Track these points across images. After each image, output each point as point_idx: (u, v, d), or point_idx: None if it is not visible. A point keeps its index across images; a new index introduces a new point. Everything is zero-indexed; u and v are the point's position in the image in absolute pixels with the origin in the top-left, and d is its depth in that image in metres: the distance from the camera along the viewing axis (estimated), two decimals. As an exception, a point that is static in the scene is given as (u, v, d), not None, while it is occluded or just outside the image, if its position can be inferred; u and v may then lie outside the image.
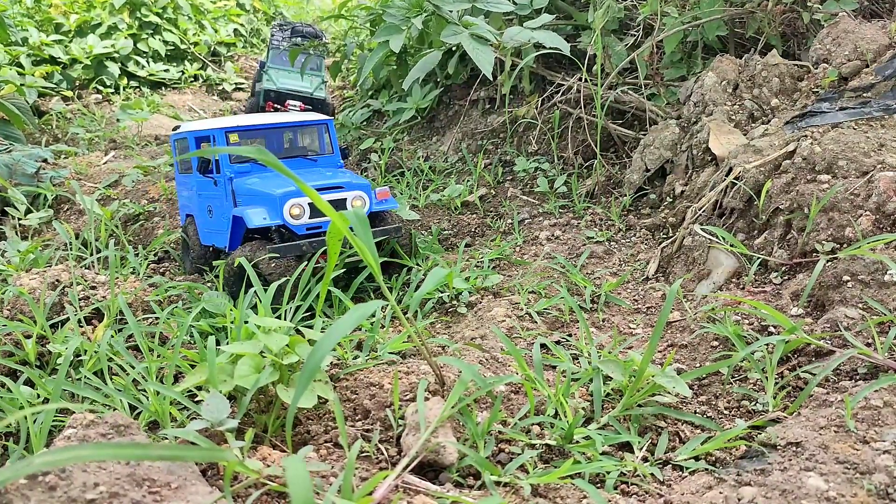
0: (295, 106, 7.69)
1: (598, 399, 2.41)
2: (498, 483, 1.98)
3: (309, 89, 7.90)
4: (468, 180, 5.67)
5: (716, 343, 2.94)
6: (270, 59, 8.39)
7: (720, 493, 1.84)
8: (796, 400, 2.36)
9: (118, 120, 8.26)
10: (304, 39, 8.34)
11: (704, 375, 2.71)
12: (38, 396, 2.54)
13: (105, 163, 6.83)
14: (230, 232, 3.93)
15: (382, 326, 3.27)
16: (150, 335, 3.08)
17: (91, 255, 4.34)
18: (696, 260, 3.70)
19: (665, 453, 2.22)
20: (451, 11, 5.50)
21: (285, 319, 3.02)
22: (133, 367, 2.61)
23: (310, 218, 3.76)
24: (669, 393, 2.43)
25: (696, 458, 2.15)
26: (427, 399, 2.21)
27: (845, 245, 3.09)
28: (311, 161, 4.34)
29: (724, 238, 3.56)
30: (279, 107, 7.75)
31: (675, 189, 4.47)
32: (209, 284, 3.98)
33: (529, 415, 2.31)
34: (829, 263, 3.00)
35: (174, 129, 4.46)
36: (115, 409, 2.38)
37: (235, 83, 11.19)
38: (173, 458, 1.56)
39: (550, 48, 5.08)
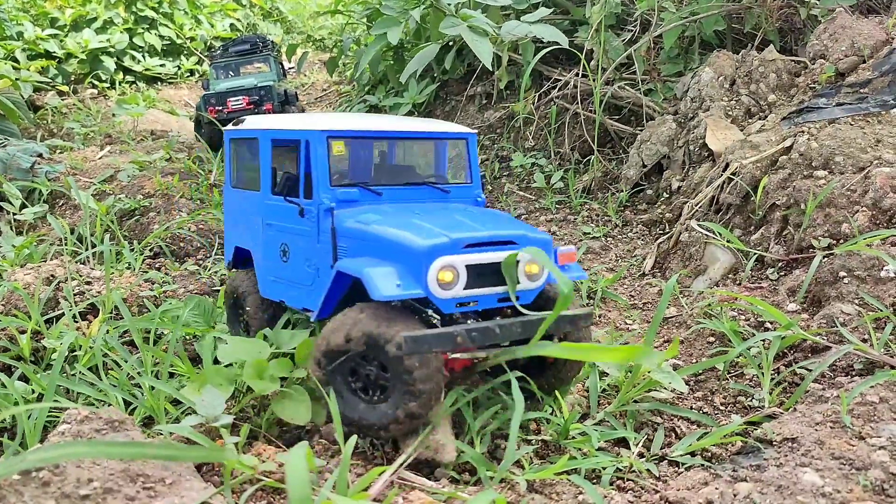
0: (238, 101, 7.18)
1: (594, 395, 2.41)
2: (493, 479, 1.98)
3: (253, 83, 7.46)
4: (465, 176, 5.66)
5: (712, 339, 2.94)
6: (212, 77, 7.91)
7: (716, 488, 1.83)
8: (792, 396, 2.36)
9: (114, 115, 8.22)
10: (244, 48, 7.89)
11: (700, 371, 2.71)
12: (33, 392, 2.53)
13: (100, 158, 6.80)
14: (326, 291, 2.48)
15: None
16: (146, 331, 3.07)
17: (86, 250, 4.32)
18: (693, 256, 3.70)
19: (661, 449, 2.22)
20: (449, 4, 5.49)
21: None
22: (126, 362, 2.60)
23: (465, 288, 2.25)
24: (666, 389, 2.43)
25: (692, 454, 2.15)
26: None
27: (842, 241, 3.09)
28: (441, 192, 2.88)
29: (720, 234, 3.56)
30: (221, 108, 7.18)
31: (672, 185, 4.47)
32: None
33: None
34: (826, 259, 3.00)
35: (235, 123, 3.18)
36: (109, 405, 2.37)
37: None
38: (170, 458, 1.55)
39: (549, 42, 5.07)
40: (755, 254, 3.41)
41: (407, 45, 6.82)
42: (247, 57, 7.76)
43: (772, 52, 4.65)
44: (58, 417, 2.34)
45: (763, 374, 2.48)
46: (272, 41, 8.00)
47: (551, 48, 5.16)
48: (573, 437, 2.18)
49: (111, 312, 3.26)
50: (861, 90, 3.96)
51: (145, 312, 3.38)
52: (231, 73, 7.79)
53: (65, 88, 9.49)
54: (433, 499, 1.82)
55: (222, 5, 12.14)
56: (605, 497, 1.90)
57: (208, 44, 11.45)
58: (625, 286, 3.75)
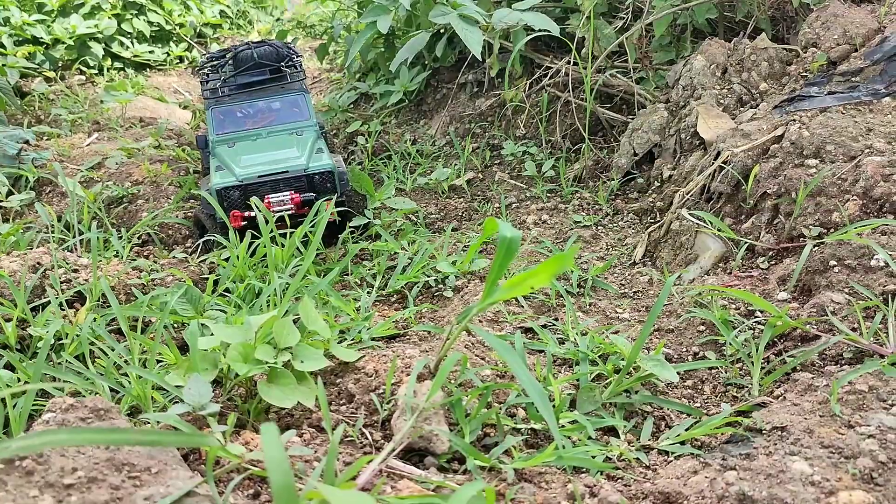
0: (284, 198, 4.07)
1: (584, 384, 2.40)
2: (482, 468, 1.97)
3: (300, 161, 4.22)
4: (455, 164, 5.64)
5: (702, 328, 2.93)
6: (214, 124, 4.66)
7: (705, 477, 1.83)
8: (782, 384, 2.36)
9: (102, 101, 8.14)
10: (259, 69, 4.90)
11: (690, 359, 2.71)
12: (19, 380, 2.51)
13: (88, 145, 6.73)
14: None
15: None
16: (134, 319, 3.04)
17: (73, 237, 4.28)
18: (684, 244, 3.69)
19: (650, 438, 2.22)
20: (439, -8, 5.45)
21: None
22: (112, 350, 2.58)
23: None
24: (660, 380, 2.43)
25: (682, 443, 2.15)
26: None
27: (832, 230, 3.09)
28: None
29: (711, 222, 3.55)
30: (253, 212, 3.89)
31: (663, 173, 4.46)
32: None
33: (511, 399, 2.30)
34: (816, 248, 3.00)
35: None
36: (96, 394, 2.35)
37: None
38: (152, 444, 1.54)
39: (540, 30, 5.04)
40: (746, 242, 3.41)
41: (398, 32, 6.77)
42: (272, 87, 4.82)
43: (764, 41, 4.63)
44: (44, 406, 2.32)
45: (753, 362, 2.49)
46: (297, 53, 5.18)
47: (541, 34, 5.13)
48: (563, 426, 2.18)
49: (98, 300, 3.23)
50: (853, 79, 3.96)
51: (133, 300, 3.36)
52: (243, 112, 4.73)
53: (52, 74, 9.39)
54: (422, 488, 1.81)
55: (212, -9, 12.02)
56: (594, 486, 1.90)
57: (198, 30, 11.33)
58: (615, 275, 3.75)
